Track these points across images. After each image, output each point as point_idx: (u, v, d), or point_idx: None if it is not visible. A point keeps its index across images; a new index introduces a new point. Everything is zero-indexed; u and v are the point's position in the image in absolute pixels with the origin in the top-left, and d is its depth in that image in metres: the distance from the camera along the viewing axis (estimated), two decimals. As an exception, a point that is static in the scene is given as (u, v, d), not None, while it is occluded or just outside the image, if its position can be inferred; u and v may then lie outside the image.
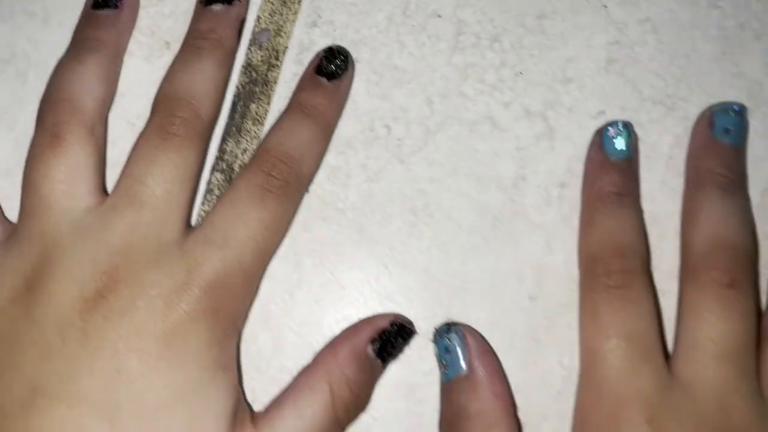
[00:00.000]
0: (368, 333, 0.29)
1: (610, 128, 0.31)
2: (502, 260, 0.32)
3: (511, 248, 0.32)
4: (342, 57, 0.31)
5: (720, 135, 0.30)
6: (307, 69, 0.32)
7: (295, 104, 0.31)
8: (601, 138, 0.31)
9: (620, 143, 0.31)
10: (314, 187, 0.32)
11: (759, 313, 0.29)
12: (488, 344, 0.30)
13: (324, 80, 0.31)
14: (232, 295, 0.28)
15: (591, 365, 0.28)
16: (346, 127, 0.33)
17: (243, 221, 0.28)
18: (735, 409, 0.27)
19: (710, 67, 0.33)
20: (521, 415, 0.30)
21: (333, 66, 0.31)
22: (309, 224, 0.32)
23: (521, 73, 0.33)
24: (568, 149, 0.32)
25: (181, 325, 0.27)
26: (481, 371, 0.28)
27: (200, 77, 0.30)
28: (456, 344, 0.29)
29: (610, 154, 0.30)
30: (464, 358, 0.28)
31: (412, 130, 0.33)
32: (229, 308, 0.28)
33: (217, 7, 0.31)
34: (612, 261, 0.29)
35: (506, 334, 0.31)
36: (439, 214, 0.32)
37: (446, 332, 0.29)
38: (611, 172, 0.30)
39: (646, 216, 0.32)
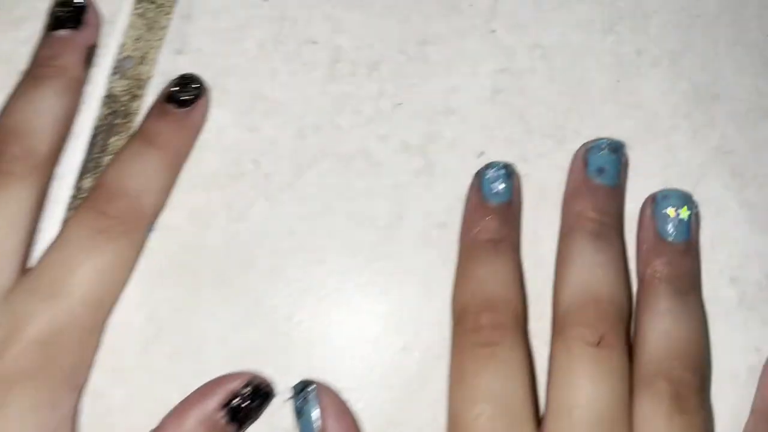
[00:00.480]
0: (219, 397, 0.26)
1: (489, 170, 0.29)
2: (374, 306, 0.29)
3: (385, 293, 0.29)
4: (194, 84, 0.29)
5: (593, 175, 0.28)
6: (157, 97, 0.29)
7: (137, 133, 0.28)
8: (479, 180, 0.29)
9: (499, 186, 0.28)
10: (173, 229, 0.30)
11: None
12: (345, 406, 0.27)
13: (171, 107, 0.29)
14: (64, 350, 0.25)
15: (456, 429, 0.26)
16: (210, 162, 0.30)
17: (72, 267, 0.25)
18: None
19: (604, 97, 0.31)
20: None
21: (183, 93, 0.29)
22: (165, 270, 0.29)
23: (400, 103, 0.31)
24: (449, 187, 0.30)
25: (1, 387, 0.24)
26: None
27: (37, 108, 0.27)
28: (310, 405, 0.26)
29: (488, 198, 0.28)
30: (318, 421, 0.26)
31: (281, 165, 0.30)
32: (62, 365, 0.25)
33: (61, 33, 0.29)
34: (481, 315, 0.26)
35: (376, 390, 0.28)
36: (308, 256, 0.30)
37: (300, 392, 0.26)
38: (488, 216, 0.28)
39: (532, 260, 0.29)
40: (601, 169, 0.28)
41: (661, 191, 0.29)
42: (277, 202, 0.30)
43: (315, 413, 0.26)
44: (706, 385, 0.26)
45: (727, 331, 0.29)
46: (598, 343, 0.25)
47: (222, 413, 0.26)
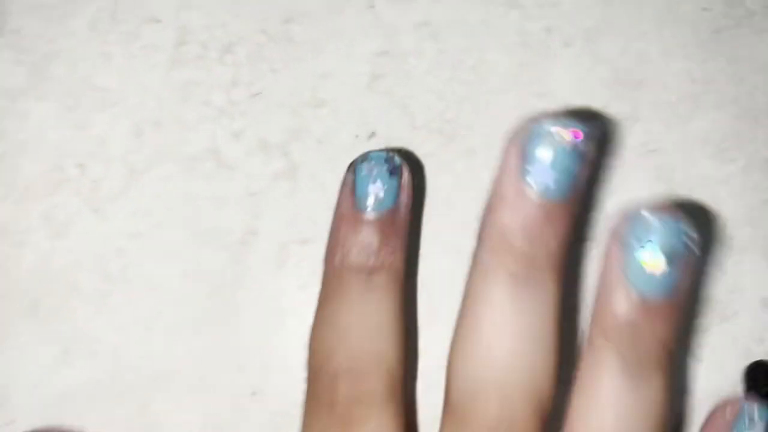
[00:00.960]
0: None
1: (365, 164, 0.21)
2: (219, 343, 0.24)
3: (233, 327, 0.24)
4: None
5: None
6: None
7: None
8: (353, 178, 0.22)
9: (379, 188, 0.21)
10: (-20, 246, 0.24)
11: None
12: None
13: None
14: None
15: None
16: (26, 167, 0.25)
17: None
18: None
19: (505, 84, 0.25)
20: None
21: None
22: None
23: (258, 93, 0.25)
24: (315, 194, 0.25)
25: None
26: None
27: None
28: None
29: (363, 205, 0.21)
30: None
31: (112, 169, 0.25)
32: None
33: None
34: (339, 383, 0.20)
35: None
36: (141, 281, 0.24)
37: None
38: (362, 232, 0.21)
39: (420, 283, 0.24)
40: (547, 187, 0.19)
41: (635, 219, 0.19)
42: (106, 215, 0.25)
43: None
44: None
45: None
46: None
47: None
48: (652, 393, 0.18)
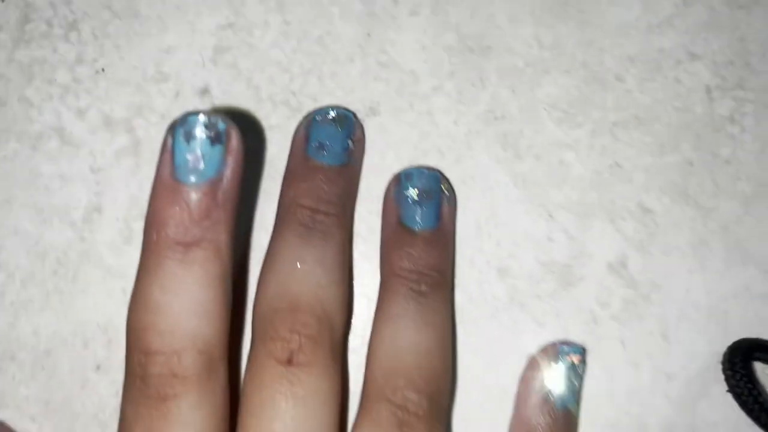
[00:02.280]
0: None
1: (181, 128, 0.20)
2: (62, 317, 0.24)
3: (79, 303, 0.24)
4: None
5: (313, 152, 0.23)
6: None
7: None
8: (171, 143, 0.20)
9: (199, 157, 0.20)
10: None
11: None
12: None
13: None
14: None
15: None
16: None
17: None
18: None
19: (351, 54, 0.25)
20: None
21: None
22: None
23: (103, 70, 0.25)
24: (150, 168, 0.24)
25: None
26: None
27: None
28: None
29: (181, 176, 0.20)
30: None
31: (-43, 149, 0.25)
32: None
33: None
34: (151, 360, 0.19)
35: (65, 416, 0.24)
36: (-14, 260, 0.24)
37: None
38: (178, 205, 0.20)
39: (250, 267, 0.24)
40: (321, 145, 0.23)
41: (405, 169, 0.24)
42: (-49, 195, 0.25)
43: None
44: (439, 408, 0.21)
45: (493, 337, 0.24)
46: (289, 361, 0.20)
47: None
48: (436, 309, 0.22)
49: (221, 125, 0.19)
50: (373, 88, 0.25)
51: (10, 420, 0.24)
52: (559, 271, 0.24)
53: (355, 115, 0.24)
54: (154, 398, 0.19)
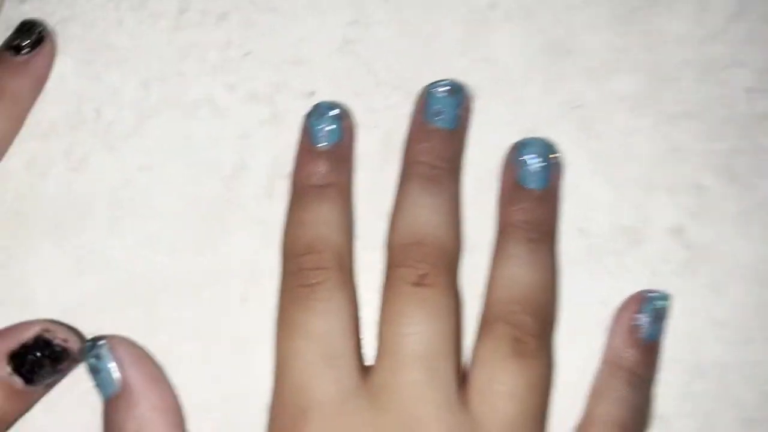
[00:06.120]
0: (6, 346, 0.25)
1: (317, 111, 0.28)
2: (213, 258, 0.28)
3: (225, 244, 0.28)
4: (35, 30, 0.28)
5: (430, 118, 0.27)
6: None
7: None
8: (308, 122, 0.28)
9: (327, 128, 0.28)
10: (10, 176, 0.29)
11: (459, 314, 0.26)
12: (142, 351, 0.26)
13: (8, 54, 0.28)
14: None
15: (278, 368, 0.26)
16: (50, 110, 0.29)
17: None
18: (425, 420, 0.23)
19: (455, 50, 0.30)
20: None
21: (22, 40, 0.28)
22: (2, 218, 0.28)
23: (249, 52, 0.30)
24: (295, 137, 0.29)
25: None
26: (134, 385, 0.25)
27: None
28: (104, 360, 0.25)
29: (316, 141, 0.28)
30: (116, 374, 0.25)
31: (123, 114, 0.30)
32: None
33: None
34: (303, 258, 0.26)
35: (212, 340, 0.28)
36: (147, 207, 0.29)
37: (91, 349, 0.25)
38: (316, 160, 0.27)
39: (379, 212, 0.29)
40: (437, 112, 0.27)
41: (523, 139, 0.29)
42: (118, 152, 0.29)
43: (111, 365, 0.25)
44: (547, 331, 0.26)
45: (574, 283, 0.29)
46: (418, 283, 0.25)
47: (7, 365, 0.25)
48: (546, 254, 0.27)
49: (340, 109, 0.28)
50: (475, 77, 0.30)
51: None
52: (628, 233, 0.29)
53: (465, 87, 0.29)
54: (306, 284, 0.25)
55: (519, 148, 0.28)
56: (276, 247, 0.28)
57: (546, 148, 0.28)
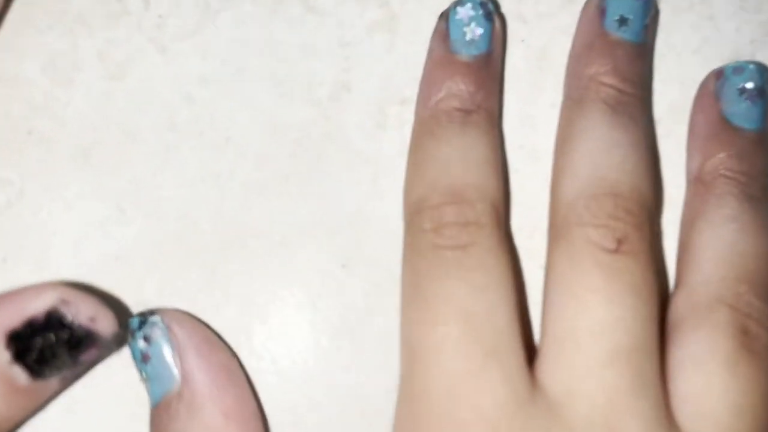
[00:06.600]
0: (4, 322, 0.17)
1: (460, 8, 0.20)
2: (305, 206, 0.20)
3: (321, 190, 0.20)
4: None
5: (612, 27, 0.20)
6: None
7: None
8: (446, 23, 0.20)
9: (475, 31, 0.20)
10: (23, 83, 0.20)
11: (663, 287, 0.19)
12: (212, 336, 0.19)
13: None
14: None
15: (411, 365, 0.18)
16: (80, -3, 0.21)
17: None
18: None
19: None
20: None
21: None
22: (9, 137, 0.20)
23: (354, -65, 0.22)
24: (416, 50, 0.21)
25: None
26: (199, 381, 0.17)
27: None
28: (157, 345, 0.18)
29: (458, 49, 0.20)
30: (173, 365, 0.17)
31: (182, 5, 0.21)
32: None
33: None
34: (445, 209, 0.18)
35: (314, 316, 0.20)
36: (212, 132, 0.21)
37: (140, 328, 0.18)
38: (456, 76, 0.20)
39: (525, 150, 0.21)
40: (623, 19, 0.20)
41: (731, 63, 0.21)
42: (172, 56, 0.21)
43: (167, 352, 0.18)
44: None
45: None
46: (616, 249, 0.18)
47: (6, 353, 0.17)
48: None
49: (491, 6, 0.20)
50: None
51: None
52: None
53: None
54: (446, 247, 0.18)
55: (727, 73, 0.21)
56: (389, 192, 0.20)
57: (764, 75, 0.21)
